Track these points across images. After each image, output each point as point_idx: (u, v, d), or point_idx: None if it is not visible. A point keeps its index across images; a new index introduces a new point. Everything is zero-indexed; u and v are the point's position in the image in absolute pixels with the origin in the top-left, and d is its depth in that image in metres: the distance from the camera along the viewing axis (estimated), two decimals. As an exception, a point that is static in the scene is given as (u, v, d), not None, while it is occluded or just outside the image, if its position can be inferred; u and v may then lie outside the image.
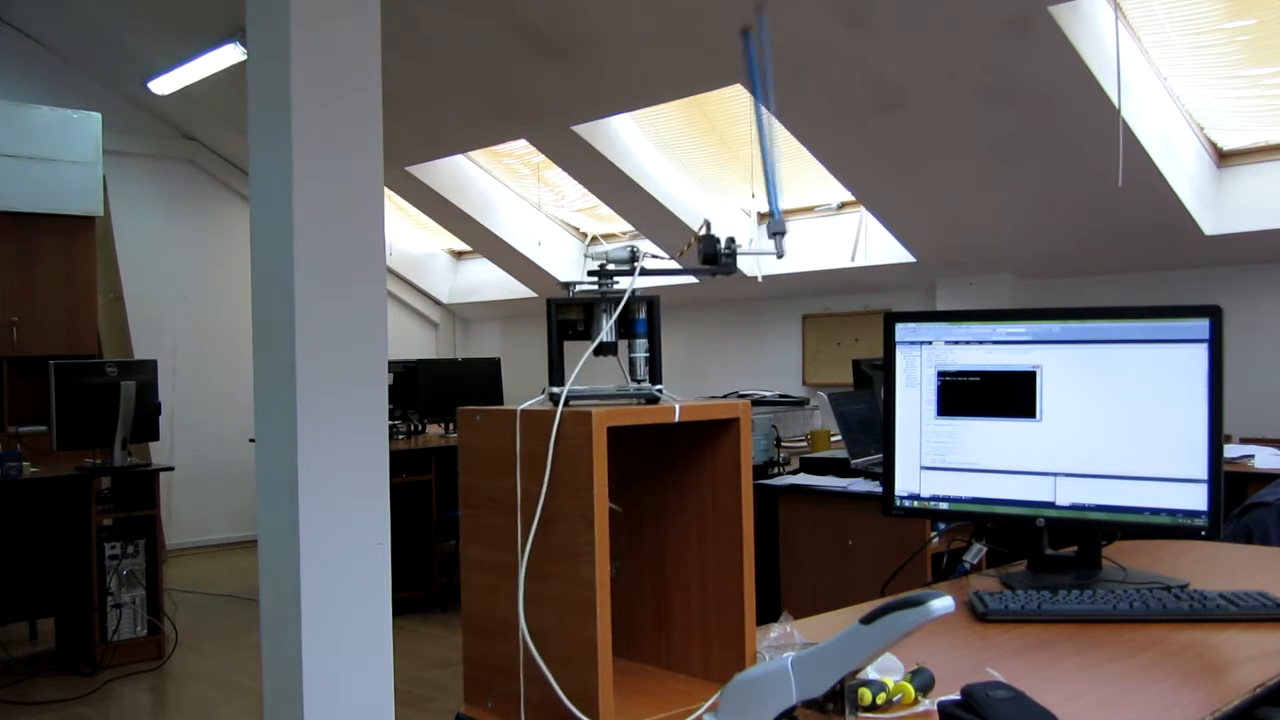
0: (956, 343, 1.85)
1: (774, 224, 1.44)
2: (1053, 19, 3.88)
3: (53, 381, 4.68)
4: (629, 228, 6.80)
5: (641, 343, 1.37)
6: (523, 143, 6.47)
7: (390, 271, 8.51)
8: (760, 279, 6.39)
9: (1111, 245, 5.00)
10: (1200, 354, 1.70)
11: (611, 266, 1.36)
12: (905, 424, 1.88)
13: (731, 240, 1.39)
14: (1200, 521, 1.71)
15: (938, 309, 5.71)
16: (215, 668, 4.85)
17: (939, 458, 1.86)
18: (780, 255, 1.43)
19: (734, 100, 5.47)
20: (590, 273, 1.36)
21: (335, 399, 2.68)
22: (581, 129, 5.82)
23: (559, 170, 6.56)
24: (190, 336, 7.69)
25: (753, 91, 1.46)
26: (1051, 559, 1.86)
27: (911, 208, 5.38)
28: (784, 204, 6.27)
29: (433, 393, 6.22)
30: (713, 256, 1.38)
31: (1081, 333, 1.77)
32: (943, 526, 2.38)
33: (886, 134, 4.86)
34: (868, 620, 0.98)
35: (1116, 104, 4.11)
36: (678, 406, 1.27)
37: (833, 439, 4.66)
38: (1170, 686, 1.31)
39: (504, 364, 6.93)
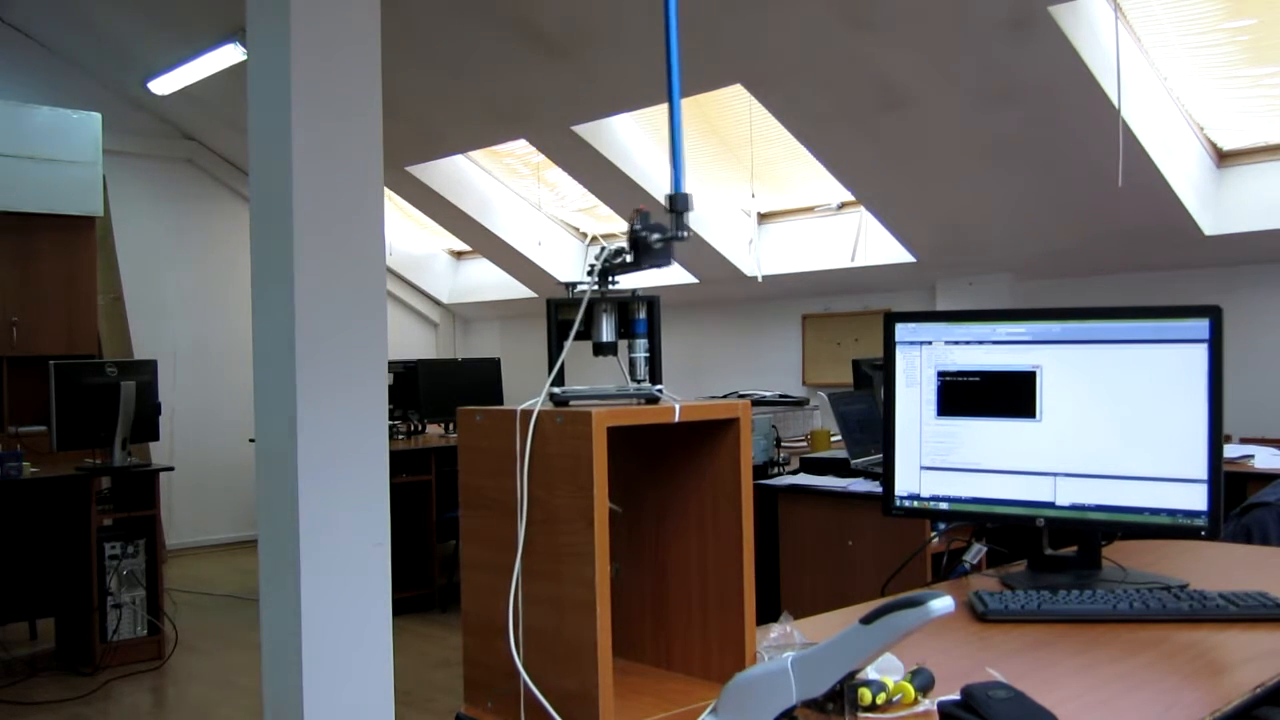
0: (956, 343, 1.85)
1: (679, 200, 1.32)
2: (1053, 19, 3.88)
3: (53, 381, 4.68)
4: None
5: (641, 343, 1.37)
6: (523, 143, 6.47)
7: (390, 271, 8.51)
8: (760, 279, 6.39)
9: (1111, 245, 5.00)
10: (1200, 354, 1.70)
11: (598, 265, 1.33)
12: (905, 424, 1.88)
13: (653, 226, 1.29)
14: (1200, 521, 1.71)
15: (938, 309, 5.71)
16: (215, 668, 4.85)
17: (939, 458, 1.86)
18: (683, 236, 1.30)
19: (734, 100, 5.46)
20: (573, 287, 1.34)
21: (335, 399, 2.68)
22: (581, 129, 5.82)
23: (559, 170, 6.56)
24: (190, 336, 7.69)
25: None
26: (1051, 559, 1.86)
27: (911, 208, 5.38)
28: (783, 203, 6.31)
29: (433, 393, 6.22)
30: (636, 243, 1.30)
31: (1081, 333, 1.77)
32: (943, 526, 2.38)
33: (886, 134, 4.86)
34: (868, 620, 0.98)
35: (1116, 104, 4.11)
36: (678, 406, 1.27)
37: (833, 439, 4.66)
38: (1170, 686, 1.31)
39: (504, 364, 6.93)
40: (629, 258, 1.32)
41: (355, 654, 2.71)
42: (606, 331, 1.36)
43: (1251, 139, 4.59)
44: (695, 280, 6.80)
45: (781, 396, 5.91)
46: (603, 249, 1.35)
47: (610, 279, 1.35)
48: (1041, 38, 3.96)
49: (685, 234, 1.31)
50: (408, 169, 7.03)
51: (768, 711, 1.00)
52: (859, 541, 3.45)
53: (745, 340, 6.97)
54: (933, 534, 2.77)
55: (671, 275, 6.80)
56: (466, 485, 1.37)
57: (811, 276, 6.22)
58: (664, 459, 1.39)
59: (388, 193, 5.94)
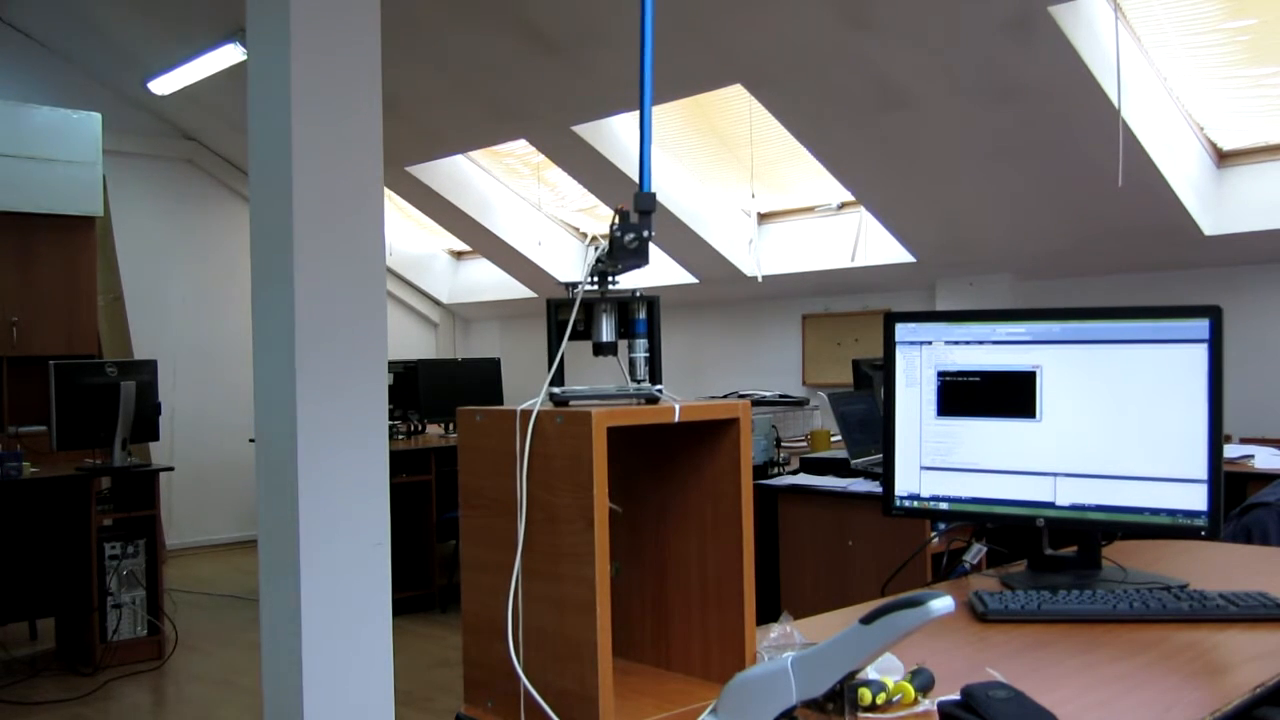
0: (956, 343, 1.85)
1: (641, 199, 1.33)
2: (1053, 19, 3.88)
3: (53, 381, 4.68)
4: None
5: (641, 343, 1.36)
6: (523, 143, 6.47)
7: (390, 271, 8.51)
8: (760, 279, 6.39)
9: (1112, 245, 5.00)
10: (1200, 354, 1.70)
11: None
12: (905, 424, 1.88)
13: (629, 227, 1.31)
14: (1200, 521, 1.71)
15: (938, 309, 5.71)
16: (215, 668, 4.85)
17: (939, 458, 1.86)
18: (647, 236, 1.32)
19: (734, 100, 5.47)
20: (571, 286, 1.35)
21: (335, 399, 2.68)
22: (581, 129, 5.82)
23: (559, 170, 6.56)
24: (190, 336, 7.69)
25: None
26: (1051, 559, 1.86)
27: (911, 208, 5.38)
28: (783, 203, 6.31)
29: (433, 393, 6.22)
30: (612, 244, 1.32)
31: (1081, 333, 1.77)
32: (943, 526, 2.38)
33: (886, 134, 4.86)
34: (868, 620, 0.98)
35: (1116, 104, 4.11)
36: (678, 406, 1.27)
37: (833, 439, 4.66)
38: (1170, 686, 1.31)
39: (504, 364, 6.93)
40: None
41: (355, 654, 2.71)
42: (606, 331, 1.36)
43: (1251, 139, 4.59)
44: (695, 280, 6.80)
45: (781, 396, 5.91)
46: (599, 249, 1.35)
47: (610, 279, 1.35)
48: (1041, 38, 3.96)
49: (649, 233, 1.32)
50: (408, 169, 7.03)
51: (768, 711, 1.00)
52: (859, 541, 3.45)
53: (745, 340, 6.97)
54: (933, 534, 2.77)
55: (671, 275, 6.80)
56: (466, 485, 1.37)
57: (811, 276, 6.22)
58: (664, 459, 1.39)
59: (388, 193, 5.94)
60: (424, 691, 4.35)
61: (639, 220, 1.32)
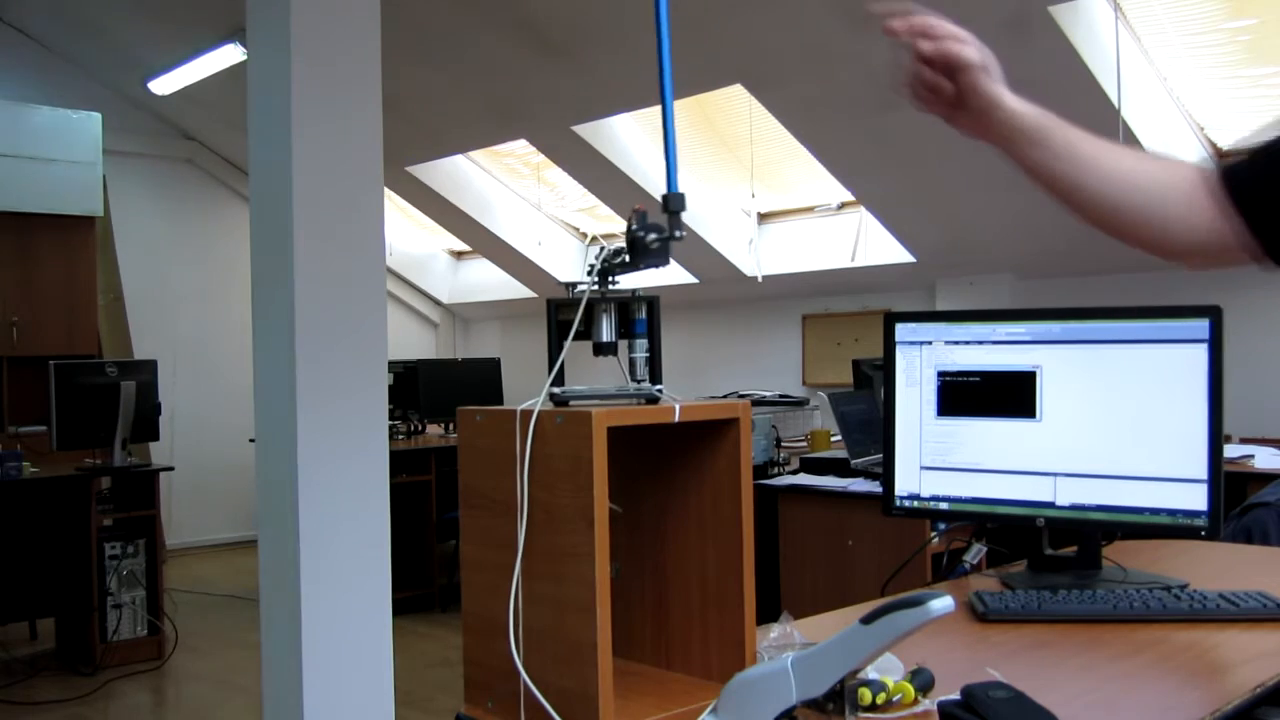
0: (956, 343, 1.84)
1: (672, 200, 1.29)
2: (1053, 19, 3.88)
3: (53, 381, 4.68)
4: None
5: (641, 343, 1.36)
6: (523, 143, 6.47)
7: (390, 271, 8.51)
8: (760, 279, 6.39)
9: (1111, 245, 4.93)
10: (1200, 354, 1.70)
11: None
12: (905, 424, 1.88)
13: (650, 226, 1.29)
14: (1200, 521, 1.71)
15: (938, 309, 5.71)
16: (215, 668, 4.85)
17: (939, 458, 1.86)
18: (679, 236, 1.29)
19: (734, 100, 5.47)
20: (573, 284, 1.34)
21: (335, 399, 2.68)
22: (581, 129, 5.82)
23: (559, 170, 6.56)
24: (190, 336, 7.69)
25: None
26: (1051, 559, 1.86)
27: (911, 208, 5.38)
28: (783, 203, 6.31)
29: (433, 393, 6.22)
30: (633, 243, 1.29)
31: (1081, 333, 1.77)
32: (943, 526, 2.38)
33: (886, 134, 4.86)
34: (868, 620, 0.98)
35: (1116, 104, 4.11)
36: (678, 406, 1.27)
37: (833, 439, 4.66)
38: (1170, 686, 1.31)
39: (504, 364, 6.93)
40: (627, 258, 1.32)
41: (355, 654, 2.71)
42: (606, 331, 1.36)
43: (1251, 139, 4.58)
44: (695, 280, 6.80)
45: (781, 396, 5.91)
46: (602, 249, 1.34)
47: (610, 279, 1.35)
48: (1041, 38, 3.96)
49: (681, 234, 1.30)
50: (408, 169, 7.03)
51: (768, 711, 1.00)
52: (859, 541, 3.45)
53: (745, 340, 6.97)
54: (933, 534, 2.77)
55: (671, 275, 6.80)
56: (466, 485, 1.37)
57: (811, 276, 6.22)
58: (664, 459, 1.39)
59: (388, 193, 5.94)
60: (424, 691, 4.35)
61: (668, 220, 1.30)
